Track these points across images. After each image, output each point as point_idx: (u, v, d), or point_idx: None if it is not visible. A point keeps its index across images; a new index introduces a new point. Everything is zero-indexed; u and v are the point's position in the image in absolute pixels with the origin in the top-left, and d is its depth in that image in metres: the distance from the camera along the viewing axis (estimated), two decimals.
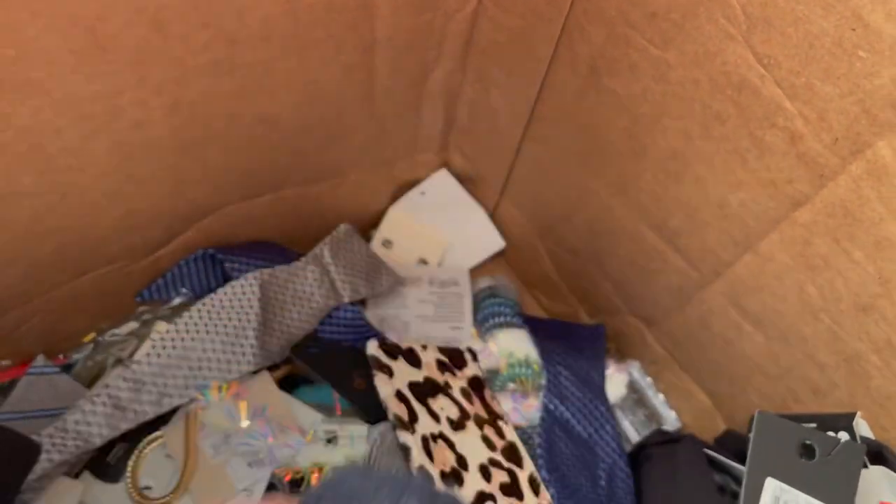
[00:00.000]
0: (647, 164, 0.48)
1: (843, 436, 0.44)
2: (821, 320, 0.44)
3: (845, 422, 0.45)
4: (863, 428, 0.45)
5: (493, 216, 0.70)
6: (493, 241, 0.70)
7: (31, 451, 0.41)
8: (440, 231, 0.67)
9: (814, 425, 0.45)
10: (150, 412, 0.47)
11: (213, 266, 0.58)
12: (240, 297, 0.52)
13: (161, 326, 0.55)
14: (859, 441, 0.44)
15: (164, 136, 0.45)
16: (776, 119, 0.37)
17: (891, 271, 0.38)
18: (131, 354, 0.53)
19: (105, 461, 0.47)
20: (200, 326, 0.50)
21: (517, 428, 0.56)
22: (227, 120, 0.47)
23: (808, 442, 0.43)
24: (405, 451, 0.47)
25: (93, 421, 0.45)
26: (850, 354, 0.43)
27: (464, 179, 0.69)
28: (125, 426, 0.46)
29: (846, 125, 0.35)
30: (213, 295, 0.51)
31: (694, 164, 0.44)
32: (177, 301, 0.59)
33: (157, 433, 0.48)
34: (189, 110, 0.44)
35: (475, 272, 0.68)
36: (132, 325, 0.57)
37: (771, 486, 0.42)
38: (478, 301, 0.65)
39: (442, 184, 0.68)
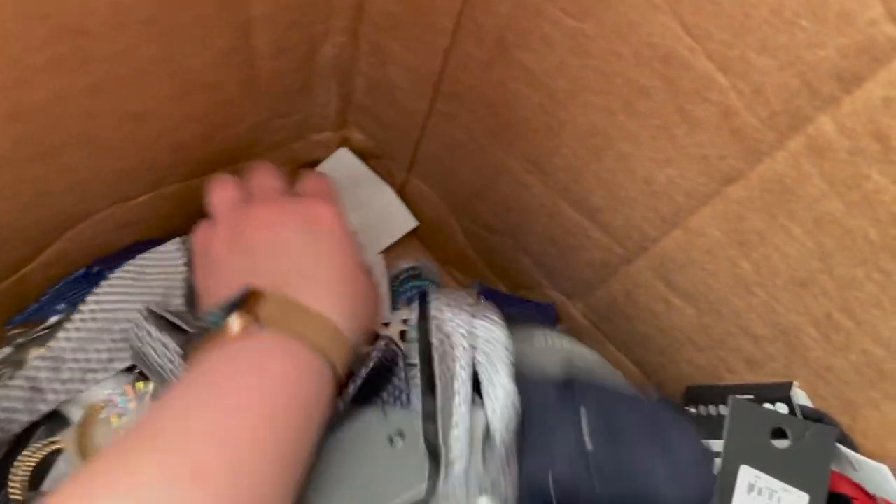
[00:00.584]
0: (565, 141, 0.44)
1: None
2: (755, 294, 0.42)
3: (782, 392, 0.44)
4: (800, 397, 0.44)
5: (402, 194, 0.65)
6: (404, 221, 0.65)
7: None
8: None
9: (751, 396, 0.45)
10: (73, 389, 0.43)
11: (95, 281, 0.51)
12: (164, 260, 0.49)
13: (36, 351, 0.49)
14: (798, 411, 0.44)
15: (6, 146, 0.38)
16: (708, 93, 0.34)
17: (831, 246, 0.36)
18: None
19: None
20: (122, 292, 0.46)
21: None
22: (86, 120, 0.41)
23: (780, 427, 0.42)
24: None
25: (8, 406, 0.41)
26: (787, 327, 0.42)
27: (367, 157, 0.63)
28: (45, 408, 0.43)
29: (785, 99, 0.32)
30: (133, 260, 0.48)
31: (617, 141, 0.41)
32: (53, 319, 0.52)
33: (55, 439, 0.43)
34: (37, 115, 0.38)
35: (389, 254, 0.64)
36: (5, 352, 0.51)
37: (745, 473, 0.40)
38: (397, 284, 0.61)
39: (343, 163, 0.63)
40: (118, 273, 0.47)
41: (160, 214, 0.54)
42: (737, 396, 0.43)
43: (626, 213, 0.45)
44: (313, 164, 0.63)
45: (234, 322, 0.35)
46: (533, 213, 0.53)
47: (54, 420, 0.44)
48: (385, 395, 0.44)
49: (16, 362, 0.49)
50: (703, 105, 0.35)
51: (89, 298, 0.46)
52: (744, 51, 0.31)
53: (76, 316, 0.45)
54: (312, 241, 0.42)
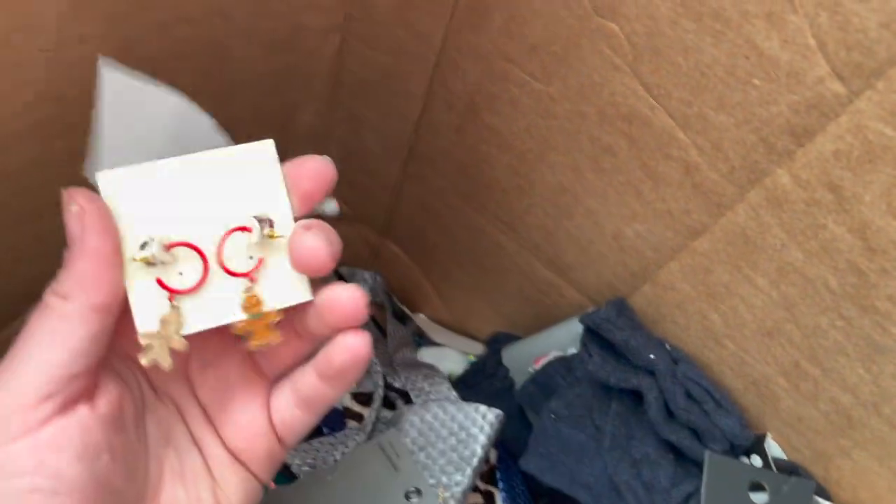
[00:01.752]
0: (535, 200, 0.45)
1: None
2: (725, 346, 0.43)
3: (756, 444, 0.45)
4: (774, 449, 0.44)
5: (376, 258, 0.66)
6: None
7: None
8: None
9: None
10: None
11: None
12: None
13: None
14: (772, 463, 0.44)
15: None
16: (670, 150, 0.36)
17: (795, 296, 0.37)
18: None
19: None
20: None
21: None
22: (63, 187, 0.41)
23: (758, 481, 0.42)
24: None
25: None
26: (758, 378, 0.43)
27: (341, 222, 0.64)
28: None
29: (742, 154, 0.33)
30: None
31: (585, 198, 0.42)
32: None
33: None
34: (16, 180, 0.38)
35: None
36: None
37: None
38: None
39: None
40: None
41: None
42: (712, 452, 0.43)
43: (596, 269, 0.46)
44: None
45: None
46: (506, 273, 0.53)
47: None
48: None
49: None
50: (665, 161, 0.36)
51: None
52: (701, 108, 0.33)
53: None
54: None
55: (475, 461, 0.48)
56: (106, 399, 0.27)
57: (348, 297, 0.29)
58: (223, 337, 0.30)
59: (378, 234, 0.63)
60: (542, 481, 0.45)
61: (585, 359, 0.45)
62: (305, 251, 0.28)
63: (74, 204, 0.26)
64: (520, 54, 0.38)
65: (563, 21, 0.35)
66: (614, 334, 0.43)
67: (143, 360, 0.28)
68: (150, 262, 0.27)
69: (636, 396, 0.45)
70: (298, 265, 0.29)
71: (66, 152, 0.39)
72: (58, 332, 0.25)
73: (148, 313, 0.28)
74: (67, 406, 0.26)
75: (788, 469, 0.44)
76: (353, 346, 0.29)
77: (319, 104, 0.50)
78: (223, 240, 0.29)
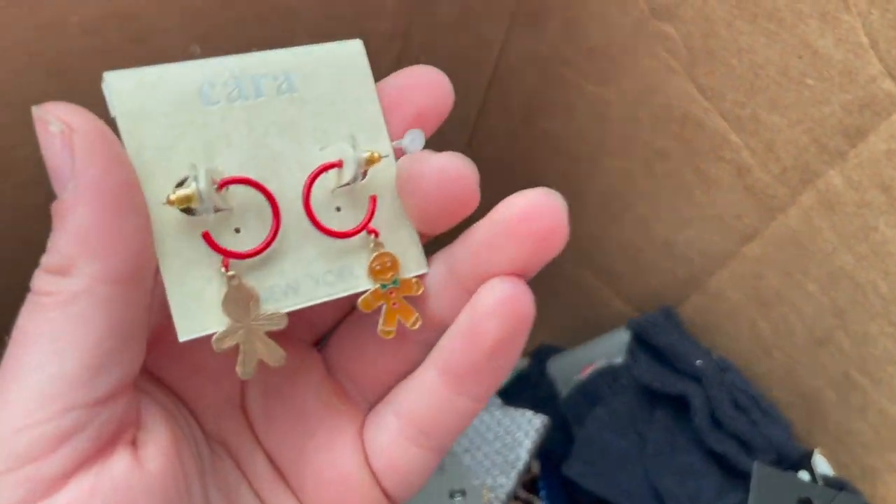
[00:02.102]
0: (586, 207, 0.46)
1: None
2: (774, 357, 0.43)
3: (804, 460, 0.44)
4: (821, 465, 0.44)
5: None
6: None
7: None
8: None
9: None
10: None
11: None
12: None
13: None
14: (819, 480, 0.43)
15: None
16: (722, 152, 0.36)
17: (845, 302, 0.37)
18: None
19: None
20: None
21: None
22: None
23: (806, 496, 0.41)
24: None
25: None
26: (806, 390, 0.42)
27: None
28: None
29: (795, 155, 0.34)
30: None
31: (636, 204, 0.43)
32: None
33: None
34: None
35: None
36: None
37: None
38: None
39: None
40: None
41: None
42: (761, 462, 0.43)
43: (645, 278, 0.47)
44: None
45: None
46: (555, 282, 0.54)
47: None
48: None
49: None
50: (717, 164, 0.37)
51: None
52: (755, 109, 0.34)
53: None
54: None
55: (520, 465, 0.48)
56: (155, 448, 0.18)
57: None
58: (295, 345, 0.22)
59: (430, 243, 0.64)
60: (584, 486, 0.45)
61: (631, 364, 0.45)
62: (451, 177, 0.20)
63: (55, 122, 0.16)
64: (577, 58, 0.39)
65: (620, 24, 0.36)
66: (660, 338, 0.44)
67: (240, 369, 0.19)
68: (191, 209, 0.18)
69: (680, 406, 0.45)
70: (439, 201, 0.21)
71: None
72: (62, 329, 0.16)
73: (192, 289, 0.19)
74: (94, 453, 0.16)
75: (837, 486, 0.43)
76: (511, 295, 0.20)
77: None
78: (311, 180, 0.21)
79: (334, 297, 0.21)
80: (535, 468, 0.53)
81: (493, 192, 0.46)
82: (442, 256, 0.23)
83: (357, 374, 0.23)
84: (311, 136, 0.21)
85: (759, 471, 0.42)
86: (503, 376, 0.21)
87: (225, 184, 0.19)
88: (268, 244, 0.20)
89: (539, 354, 0.57)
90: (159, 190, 0.18)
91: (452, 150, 0.52)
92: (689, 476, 0.43)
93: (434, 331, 0.22)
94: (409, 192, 0.21)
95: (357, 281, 0.21)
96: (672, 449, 0.44)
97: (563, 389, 0.55)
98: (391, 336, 0.21)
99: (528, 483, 0.52)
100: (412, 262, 0.22)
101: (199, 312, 0.18)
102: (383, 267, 0.21)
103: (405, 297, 0.21)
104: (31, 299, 0.17)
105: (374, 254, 0.21)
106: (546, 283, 0.55)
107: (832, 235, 0.35)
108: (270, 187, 0.20)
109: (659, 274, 0.46)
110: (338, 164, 0.21)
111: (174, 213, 0.18)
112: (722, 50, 0.33)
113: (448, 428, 0.22)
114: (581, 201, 0.46)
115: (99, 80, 0.18)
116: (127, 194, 0.17)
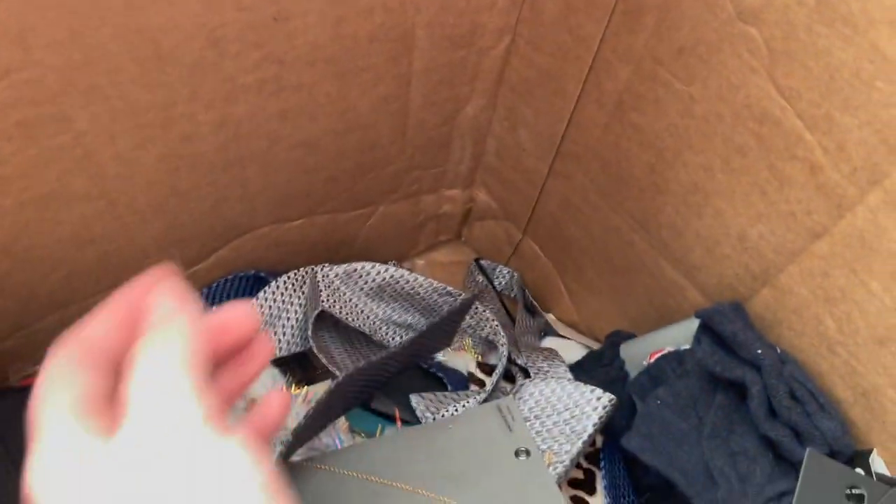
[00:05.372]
0: (669, 199, 0.50)
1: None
2: (837, 354, 0.45)
3: (861, 458, 0.46)
4: (879, 465, 0.45)
5: (517, 254, 0.71)
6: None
7: None
8: None
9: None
10: None
11: (252, 288, 0.60)
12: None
13: None
14: (875, 477, 0.45)
15: (210, 151, 0.47)
16: (796, 150, 0.39)
17: None
18: None
19: None
20: (283, 298, 0.57)
21: None
22: (269, 141, 0.50)
23: (855, 489, 0.43)
24: None
25: None
26: (867, 389, 0.44)
27: (488, 217, 0.71)
28: None
29: (864, 155, 0.36)
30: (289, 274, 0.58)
31: (714, 198, 0.46)
32: None
33: None
34: (235, 128, 0.47)
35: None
36: None
37: None
38: None
39: None
40: (282, 280, 0.57)
41: (306, 240, 0.62)
42: (813, 450, 0.44)
43: (720, 270, 0.49)
44: (440, 217, 0.71)
45: None
46: (635, 273, 0.57)
47: None
48: None
49: None
50: (791, 162, 0.40)
51: (260, 295, 0.55)
52: (829, 110, 0.36)
53: None
54: None
55: (585, 436, 0.51)
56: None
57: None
58: None
59: (521, 231, 0.69)
60: (641, 459, 0.48)
61: (696, 349, 0.48)
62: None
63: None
64: (668, 56, 0.43)
65: (709, 25, 0.39)
66: (725, 326, 0.46)
67: None
68: None
69: (741, 394, 0.47)
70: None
71: (278, 112, 0.47)
72: None
73: None
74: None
75: (891, 484, 0.44)
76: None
77: (483, 99, 0.57)
78: None
79: None
80: (599, 442, 0.56)
81: (587, 181, 0.50)
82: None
83: None
84: None
85: (810, 457, 0.44)
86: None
87: None
88: None
89: (613, 338, 0.61)
90: None
91: (548, 139, 0.56)
92: (743, 458, 0.45)
93: None
94: None
95: None
96: (728, 432, 0.47)
97: (633, 372, 0.58)
98: None
99: (591, 455, 0.56)
100: None
101: None
102: None
103: None
104: None
105: None
106: (625, 272, 0.59)
107: None
108: None
109: (733, 267, 0.48)
110: None
111: None
112: (801, 52, 0.36)
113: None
114: (664, 193, 0.50)
115: None
116: None
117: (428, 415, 0.54)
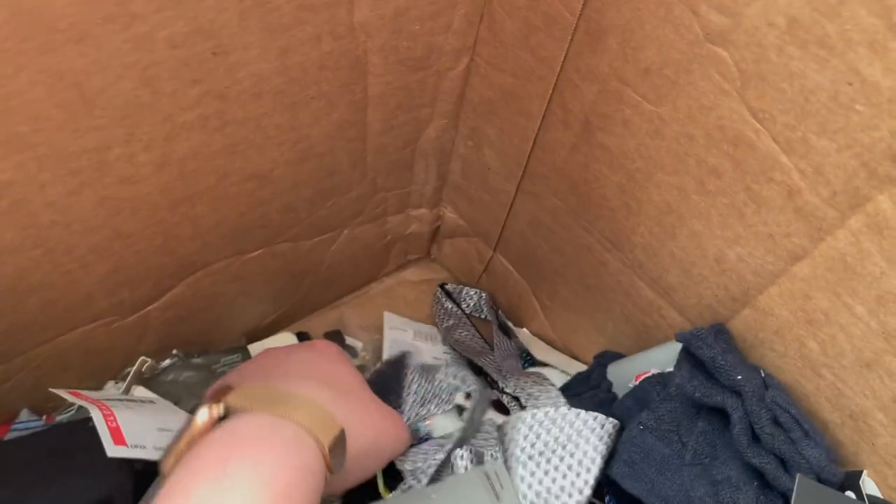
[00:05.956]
0: (642, 220, 0.47)
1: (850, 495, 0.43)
2: (823, 376, 0.43)
3: (851, 480, 0.44)
4: (869, 486, 0.44)
5: (487, 270, 0.69)
6: None
7: None
8: None
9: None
10: None
11: None
12: None
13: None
14: (866, 500, 0.43)
15: (153, 192, 0.44)
16: (773, 173, 0.37)
17: (894, 326, 0.37)
18: None
19: None
20: None
21: None
22: (218, 176, 0.47)
23: None
24: None
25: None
26: (855, 411, 0.42)
27: (458, 235, 0.68)
28: None
29: (844, 179, 0.34)
30: None
31: (689, 220, 0.44)
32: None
33: None
34: (179, 166, 0.44)
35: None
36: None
37: None
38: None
39: None
40: None
41: (267, 270, 0.59)
42: (804, 476, 0.43)
43: (698, 291, 0.47)
44: (408, 237, 0.68)
45: (202, 414, 0.38)
46: (610, 292, 0.55)
47: None
48: None
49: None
50: (768, 185, 0.38)
51: None
52: (805, 133, 0.34)
53: None
54: (305, 358, 0.48)
55: (595, 470, 0.48)
56: None
57: None
58: None
59: (491, 248, 0.66)
60: (622, 486, 0.46)
61: (676, 373, 0.46)
62: None
63: None
64: (634, 76, 0.41)
65: (676, 46, 0.37)
66: (703, 351, 0.44)
67: None
68: None
69: (725, 418, 0.45)
70: None
71: (224, 147, 0.45)
72: None
73: None
74: None
75: None
76: None
77: (445, 120, 0.54)
78: None
79: None
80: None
81: (557, 201, 0.48)
82: None
83: None
84: None
85: (801, 483, 0.43)
86: None
87: None
88: None
89: (600, 358, 0.59)
90: None
91: (514, 159, 0.54)
92: (726, 487, 0.44)
93: None
94: None
95: None
96: (712, 458, 0.45)
97: (620, 394, 0.56)
98: None
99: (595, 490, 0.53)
100: None
101: None
102: None
103: None
104: None
105: None
106: (600, 290, 0.56)
107: (881, 259, 0.35)
108: None
109: (711, 288, 0.46)
110: None
111: None
112: (773, 74, 0.34)
113: None
114: (636, 214, 0.48)
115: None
116: None
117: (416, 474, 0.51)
